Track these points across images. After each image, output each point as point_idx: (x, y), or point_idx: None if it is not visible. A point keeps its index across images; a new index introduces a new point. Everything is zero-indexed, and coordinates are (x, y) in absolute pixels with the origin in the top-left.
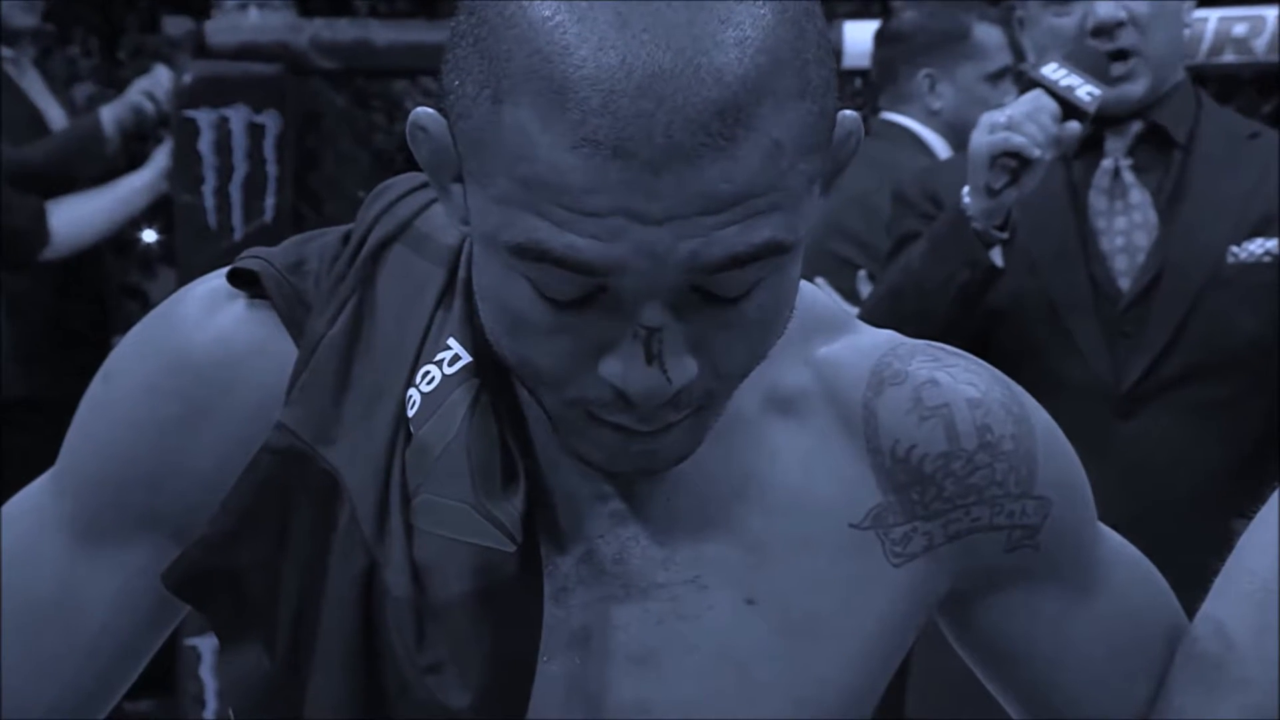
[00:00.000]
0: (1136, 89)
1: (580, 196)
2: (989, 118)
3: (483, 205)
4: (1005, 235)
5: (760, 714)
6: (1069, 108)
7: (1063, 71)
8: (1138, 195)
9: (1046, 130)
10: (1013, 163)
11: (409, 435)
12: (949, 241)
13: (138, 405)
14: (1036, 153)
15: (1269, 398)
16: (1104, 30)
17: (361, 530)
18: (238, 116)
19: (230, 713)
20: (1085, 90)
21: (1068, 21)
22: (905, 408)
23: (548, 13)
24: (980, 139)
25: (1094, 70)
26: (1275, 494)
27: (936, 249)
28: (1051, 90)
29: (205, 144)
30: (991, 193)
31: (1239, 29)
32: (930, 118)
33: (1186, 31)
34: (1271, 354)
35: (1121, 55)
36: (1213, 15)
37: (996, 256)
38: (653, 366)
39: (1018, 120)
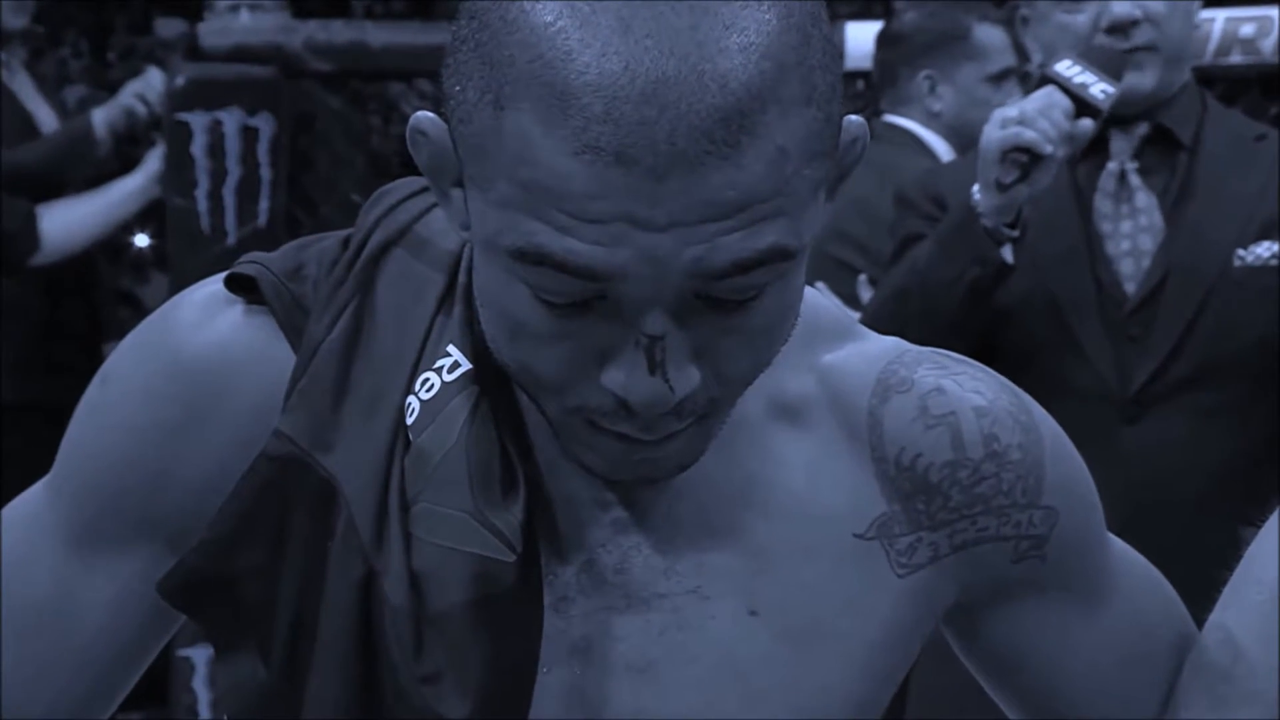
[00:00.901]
0: (1146, 81)
1: (582, 203)
2: (1001, 113)
3: (483, 210)
4: (1016, 233)
5: None
6: (1082, 105)
7: (1077, 69)
8: (1143, 198)
9: (1059, 126)
10: (1024, 158)
11: (408, 442)
12: (958, 239)
13: (135, 410)
14: (1048, 148)
15: (1276, 401)
16: (1119, 28)
17: (359, 538)
18: (231, 119)
19: None
20: (1099, 88)
21: (1079, 19)
22: (911, 415)
23: (550, 17)
24: (991, 133)
25: (1108, 68)
26: None
27: (945, 247)
28: (1065, 87)
29: (198, 147)
30: (1001, 188)
31: (1246, 29)
32: (931, 120)
33: (1194, 32)
34: (1278, 357)
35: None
36: (1219, 15)
37: (1007, 254)
38: (655, 376)
39: (1030, 115)
